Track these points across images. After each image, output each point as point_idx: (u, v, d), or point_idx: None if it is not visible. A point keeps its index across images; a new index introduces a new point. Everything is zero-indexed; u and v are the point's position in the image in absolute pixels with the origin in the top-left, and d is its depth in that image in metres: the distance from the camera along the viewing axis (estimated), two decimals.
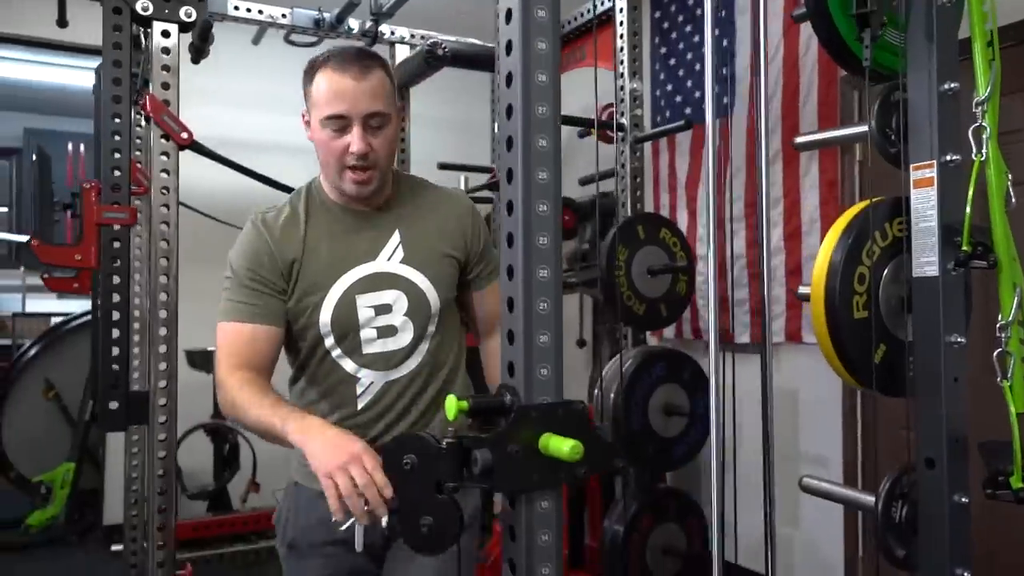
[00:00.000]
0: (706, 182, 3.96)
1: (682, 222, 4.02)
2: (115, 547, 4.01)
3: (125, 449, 3.38)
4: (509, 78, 1.28)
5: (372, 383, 1.69)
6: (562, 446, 1.17)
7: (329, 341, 1.68)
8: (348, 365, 1.68)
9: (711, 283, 1.83)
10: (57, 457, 4.73)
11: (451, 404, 1.22)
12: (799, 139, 2.12)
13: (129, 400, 2.30)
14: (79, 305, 7.37)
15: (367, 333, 1.67)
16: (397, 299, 1.67)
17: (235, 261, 1.67)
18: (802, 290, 1.87)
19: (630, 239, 3.04)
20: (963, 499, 1.70)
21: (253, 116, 4.56)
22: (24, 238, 5.12)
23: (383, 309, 1.66)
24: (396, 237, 1.70)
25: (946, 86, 1.72)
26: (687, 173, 4.05)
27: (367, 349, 1.67)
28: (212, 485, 4.11)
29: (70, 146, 4.84)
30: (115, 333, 2.32)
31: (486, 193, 4.19)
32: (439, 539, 1.20)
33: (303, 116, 1.71)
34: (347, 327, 1.66)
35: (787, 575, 3.31)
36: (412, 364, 1.71)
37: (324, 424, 1.49)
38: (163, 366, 2.35)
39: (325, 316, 1.65)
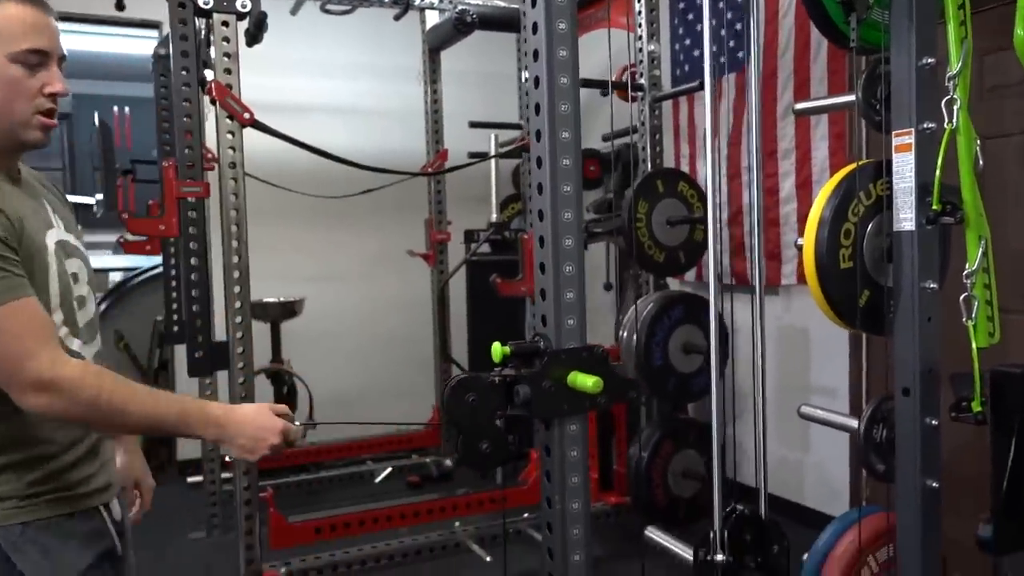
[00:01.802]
0: (722, 135, 4.16)
1: (701, 172, 4.21)
2: (191, 479, 4.43)
3: (199, 393, 3.73)
4: (536, 54, 1.53)
5: (87, 359, 1.43)
6: (587, 381, 1.45)
7: (58, 317, 1.37)
8: (73, 343, 1.41)
9: (712, 234, 2.02)
10: None
11: (497, 349, 1.50)
12: (799, 106, 2.33)
13: (212, 349, 2.61)
14: (135, 261, 7.78)
15: (76, 304, 1.43)
16: (80, 268, 1.46)
17: None
18: (799, 241, 2.11)
19: (650, 193, 3.27)
20: (933, 422, 1.95)
21: (294, 81, 4.78)
22: (90, 200, 5.47)
23: (75, 278, 1.44)
24: (46, 203, 1.47)
25: (924, 61, 1.92)
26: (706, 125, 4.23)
27: (80, 322, 1.44)
28: None
29: (115, 109, 5.15)
30: (195, 292, 2.62)
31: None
32: (493, 459, 1.48)
33: None
34: (66, 298, 1.40)
35: (797, 495, 3.60)
36: (99, 337, 1.52)
37: (231, 406, 1.45)
38: (239, 319, 2.66)
39: (54, 286, 1.37)
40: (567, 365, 1.48)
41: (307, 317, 4.59)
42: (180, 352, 4.49)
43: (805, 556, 2.10)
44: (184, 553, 3.54)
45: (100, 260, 7.60)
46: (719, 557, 1.67)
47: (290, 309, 4.49)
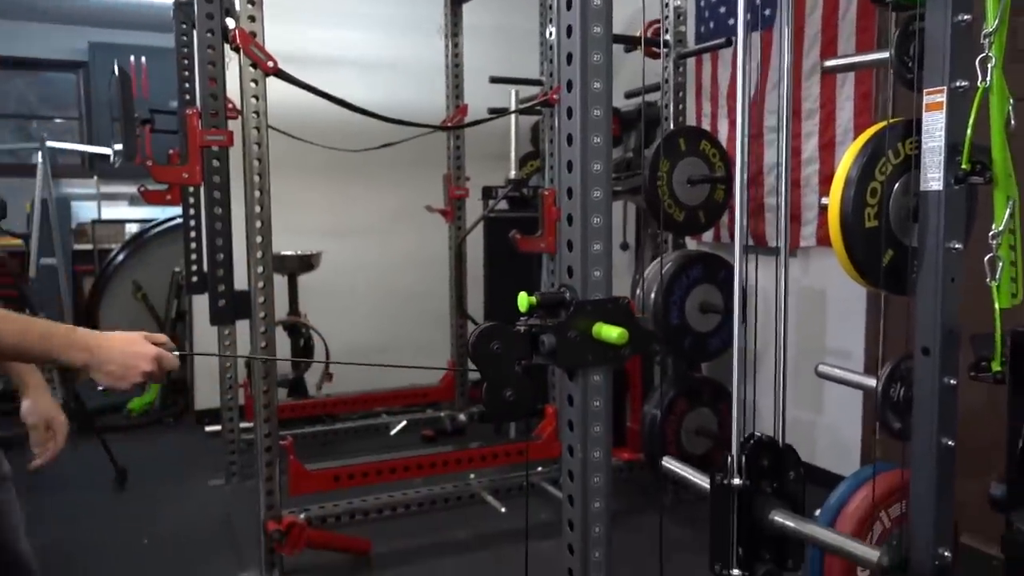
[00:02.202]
0: (742, 95, 4.12)
1: (723, 131, 4.18)
2: (209, 428, 4.52)
3: (218, 342, 3.78)
4: (569, 3, 1.52)
5: None
6: (612, 332, 1.46)
7: None
8: None
9: (738, 194, 2.01)
10: None
11: (523, 298, 1.52)
12: (828, 62, 2.29)
13: (235, 298, 2.65)
14: (151, 212, 7.82)
15: None
16: None
17: None
18: (823, 201, 2.11)
19: (672, 151, 3.26)
20: (952, 381, 1.97)
21: (314, 32, 4.74)
22: (107, 151, 5.49)
23: None
24: None
25: (960, 17, 1.90)
26: (728, 83, 4.19)
27: None
28: (291, 374, 4.55)
29: (132, 59, 5.12)
30: (219, 241, 2.64)
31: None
32: (517, 407, 1.51)
33: None
34: None
35: (808, 454, 3.63)
36: None
37: (102, 332, 1.41)
38: (260, 269, 2.68)
39: None
40: (592, 316, 1.50)
41: (324, 271, 4.62)
42: (199, 302, 4.55)
43: (818, 512, 2.14)
44: (204, 500, 3.63)
45: (116, 211, 7.66)
46: (736, 481, 1.70)
47: (307, 262, 4.52)
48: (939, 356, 1.96)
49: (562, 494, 1.64)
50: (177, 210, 5.53)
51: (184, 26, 3.50)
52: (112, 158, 4.85)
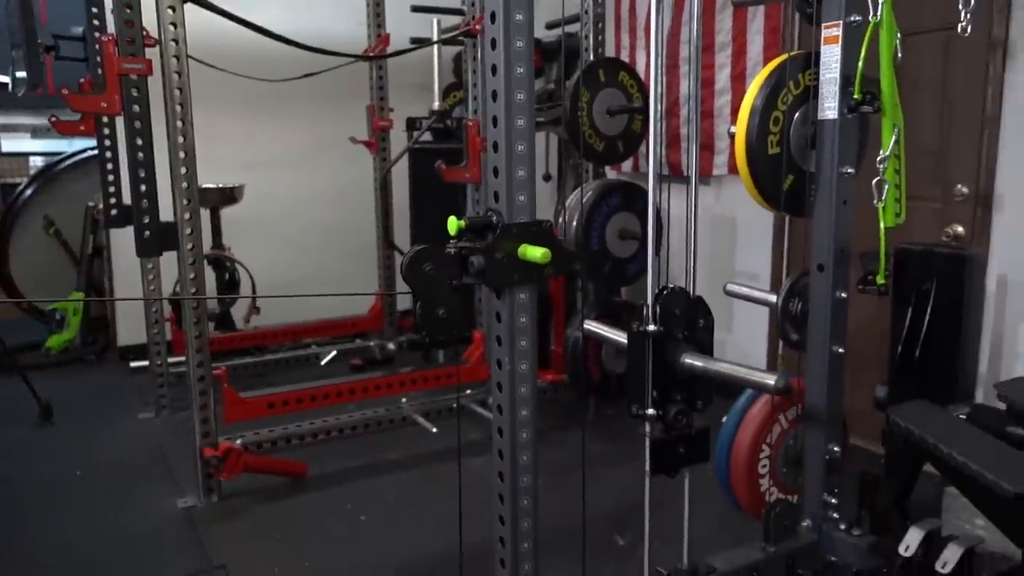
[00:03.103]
0: (660, 28, 4.20)
1: (641, 62, 4.27)
2: (134, 364, 4.49)
3: (142, 276, 3.74)
4: None
5: None
6: (536, 252, 1.57)
7: None
8: None
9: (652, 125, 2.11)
10: (63, 287, 5.11)
11: (453, 222, 1.60)
12: None
13: (161, 230, 2.65)
14: (56, 145, 7.49)
15: None
16: None
17: None
18: (731, 129, 2.24)
19: (592, 82, 3.33)
20: (843, 295, 2.17)
21: None
22: (4, 79, 5.21)
23: None
24: None
25: None
26: (645, 15, 4.27)
27: None
28: (218, 308, 4.53)
29: None
30: (142, 173, 2.62)
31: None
32: (449, 324, 1.61)
33: None
34: None
35: None
36: None
37: None
38: (186, 200, 2.68)
39: None
40: (518, 238, 1.60)
41: (247, 204, 4.57)
42: (117, 236, 4.46)
43: (725, 418, 2.34)
44: (134, 432, 3.64)
45: (18, 143, 7.31)
46: (651, 327, 1.85)
47: (230, 195, 4.46)
48: (832, 272, 2.15)
49: (492, 403, 1.76)
50: (88, 142, 5.37)
51: None
52: (12, 87, 4.62)
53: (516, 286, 1.64)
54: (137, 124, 2.58)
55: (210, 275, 4.43)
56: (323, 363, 4.44)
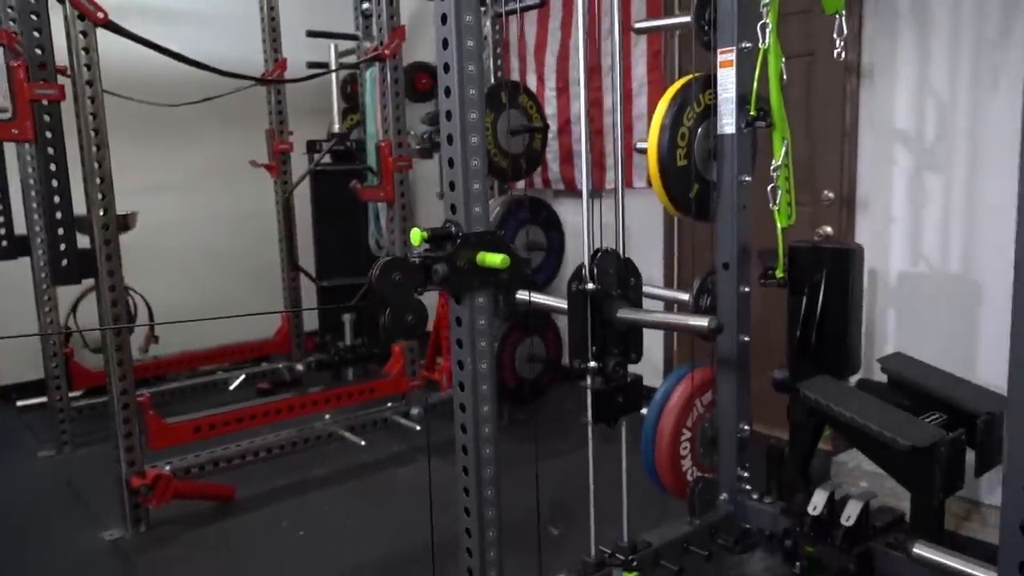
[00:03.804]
0: (552, 50, 4.42)
1: (531, 85, 4.47)
2: (23, 402, 4.24)
3: (37, 308, 3.56)
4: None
5: None
6: (495, 259, 1.68)
7: None
8: None
9: (584, 149, 2.28)
10: None
11: (416, 234, 1.70)
12: (638, 24, 2.63)
13: (79, 257, 2.57)
14: None
15: None
16: None
17: None
18: (640, 145, 2.44)
19: (495, 104, 3.49)
20: (746, 289, 2.41)
21: None
22: None
23: None
24: None
25: None
26: (535, 40, 4.48)
27: None
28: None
29: None
30: (56, 199, 2.54)
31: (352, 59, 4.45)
32: (415, 328, 1.69)
33: None
34: None
35: None
36: None
37: None
38: (104, 227, 2.62)
39: None
40: (476, 246, 1.71)
41: (140, 231, 4.41)
42: (9, 266, 4.20)
43: (644, 409, 2.52)
44: (38, 471, 3.45)
45: None
46: (589, 286, 1.99)
47: (122, 223, 4.30)
48: (736, 269, 2.39)
49: (454, 403, 1.85)
50: None
51: None
52: None
53: (476, 290, 1.75)
54: (50, 151, 2.51)
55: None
56: (231, 388, 4.34)
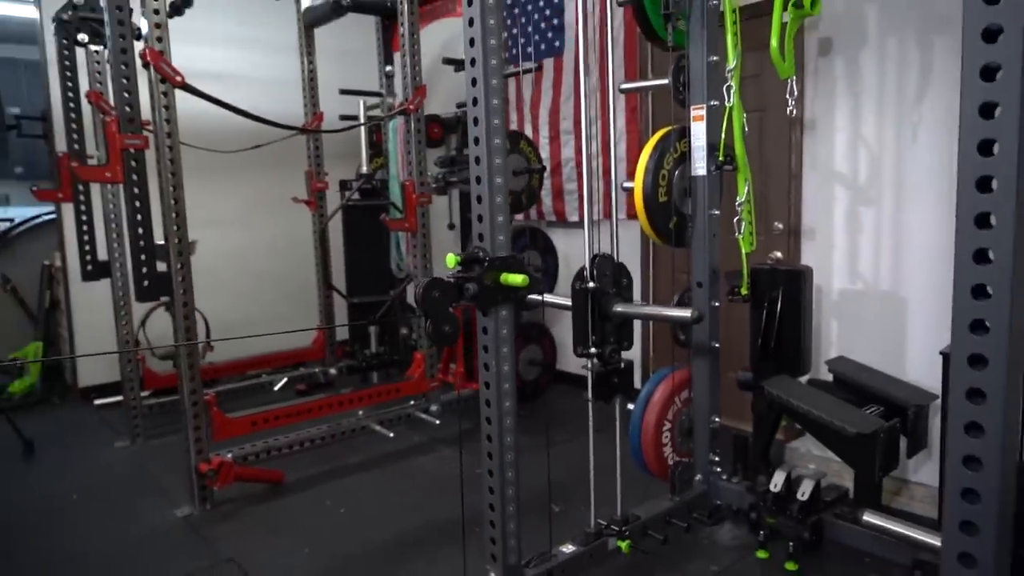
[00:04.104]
0: (545, 105, 4.47)
1: (528, 134, 4.53)
2: (99, 401, 4.22)
3: (115, 321, 3.57)
4: (473, 61, 1.75)
5: None
6: (517, 279, 1.73)
7: None
8: None
9: (585, 189, 2.33)
10: (19, 339, 4.73)
11: (451, 258, 1.74)
12: (624, 85, 2.69)
13: (158, 279, 2.59)
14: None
15: None
16: None
17: None
18: (627, 184, 2.49)
19: None
20: (716, 303, 2.46)
21: (188, 50, 4.46)
22: None
23: None
24: None
25: (711, 58, 2.34)
26: (531, 97, 4.55)
27: None
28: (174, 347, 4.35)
29: None
30: (140, 230, 2.56)
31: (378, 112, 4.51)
32: (452, 335, 1.73)
33: None
34: None
35: None
36: None
37: None
38: (179, 253, 2.65)
39: None
40: (501, 268, 1.75)
41: (200, 256, 4.41)
42: (79, 290, 4.20)
43: (630, 405, 2.55)
44: (115, 459, 3.43)
45: None
46: (590, 284, 2.04)
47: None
48: (708, 287, 2.44)
49: (480, 399, 1.88)
50: (41, 208, 5.03)
51: (65, 42, 3.24)
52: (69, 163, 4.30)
53: (500, 305, 1.79)
54: (136, 190, 2.53)
55: (168, 320, 4.26)
56: (276, 388, 4.34)
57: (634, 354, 4.03)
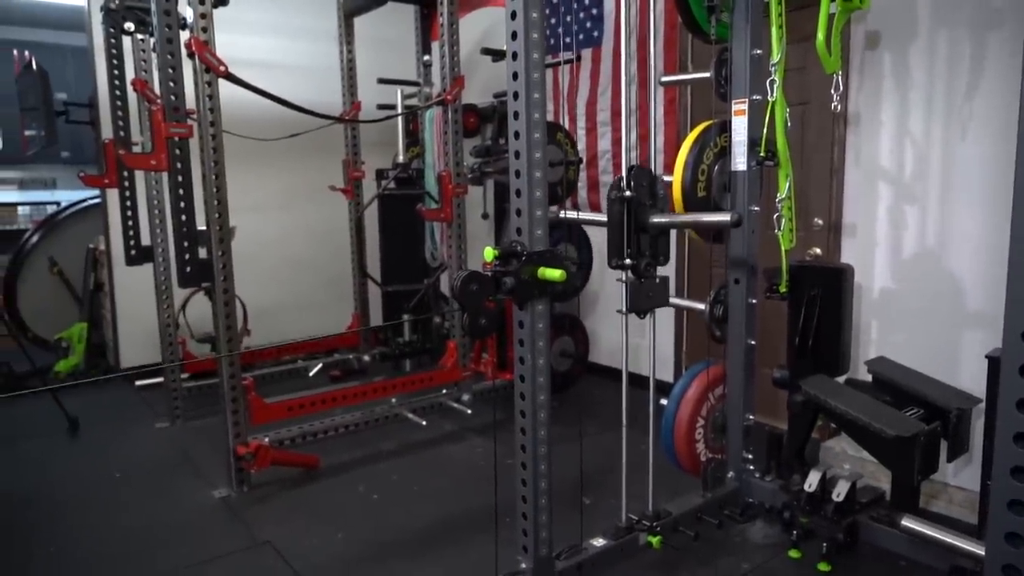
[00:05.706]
0: (582, 96, 4.45)
1: (564, 125, 4.52)
2: (140, 382, 4.35)
3: (157, 305, 3.67)
4: (515, 55, 1.75)
5: None
6: (554, 273, 1.74)
7: None
8: None
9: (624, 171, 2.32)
10: (65, 319, 4.89)
11: (489, 252, 1.75)
12: (665, 78, 2.68)
13: (199, 265, 2.65)
14: (40, 196, 7.12)
15: None
16: None
17: None
18: (666, 178, 2.48)
19: None
20: (753, 300, 2.44)
21: (228, 38, 4.53)
22: None
23: None
24: None
25: (755, 51, 2.31)
26: (567, 87, 4.53)
27: None
28: (214, 332, 4.45)
29: (15, 53, 4.67)
30: (183, 218, 2.63)
31: (413, 101, 4.53)
32: (488, 328, 1.74)
33: None
34: None
35: (636, 367, 4.13)
36: None
37: None
38: (221, 240, 2.71)
39: None
40: (538, 262, 1.76)
41: (239, 243, 4.50)
42: (121, 273, 4.32)
43: (664, 400, 2.55)
44: (156, 440, 3.54)
45: (7, 195, 6.92)
46: (628, 193, 1.97)
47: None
48: (745, 284, 2.42)
49: (515, 391, 1.90)
50: (85, 193, 5.18)
51: (112, 30, 3.32)
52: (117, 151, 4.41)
53: (536, 299, 1.80)
54: (180, 178, 2.59)
55: (207, 304, 4.36)
56: (311, 374, 4.42)
57: (666, 344, 4.01)
